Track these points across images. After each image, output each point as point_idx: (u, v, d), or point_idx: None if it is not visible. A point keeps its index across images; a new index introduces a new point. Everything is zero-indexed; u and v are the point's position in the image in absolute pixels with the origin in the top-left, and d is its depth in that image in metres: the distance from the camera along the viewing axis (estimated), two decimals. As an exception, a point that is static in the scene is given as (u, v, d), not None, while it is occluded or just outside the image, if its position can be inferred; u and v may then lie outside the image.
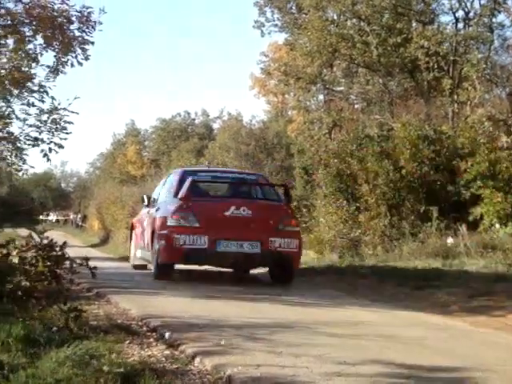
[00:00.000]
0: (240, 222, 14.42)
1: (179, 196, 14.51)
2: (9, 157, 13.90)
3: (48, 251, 3.73)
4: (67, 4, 14.03)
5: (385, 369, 7.74)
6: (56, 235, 46.20)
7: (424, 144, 25.42)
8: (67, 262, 4.06)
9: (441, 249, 22.30)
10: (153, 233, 15.68)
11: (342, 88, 36.14)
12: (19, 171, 14.56)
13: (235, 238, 14.51)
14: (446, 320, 12.32)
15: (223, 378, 7.34)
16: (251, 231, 14.60)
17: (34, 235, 6.94)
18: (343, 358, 8.17)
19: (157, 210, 15.80)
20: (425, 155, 25.26)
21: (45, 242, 3.82)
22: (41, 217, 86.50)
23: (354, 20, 32.48)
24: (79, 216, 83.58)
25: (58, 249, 3.84)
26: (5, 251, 3.54)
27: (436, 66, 29.51)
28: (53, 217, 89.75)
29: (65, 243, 4.36)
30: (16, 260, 3.48)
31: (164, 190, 16.39)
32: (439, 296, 15.10)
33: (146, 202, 17.38)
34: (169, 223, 14.58)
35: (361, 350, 8.82)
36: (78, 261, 4.48)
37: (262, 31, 40.71)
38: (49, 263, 3.65)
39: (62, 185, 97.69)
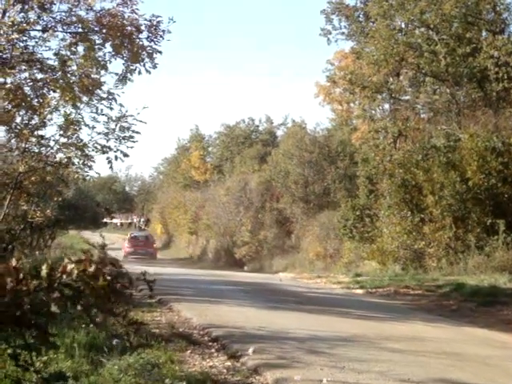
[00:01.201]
0: (141, 244, 45.87)
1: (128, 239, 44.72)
2: (77, 163, 14.17)
3: (107, 266, 3.76)
4: (137, 13, 14.18)
5: (450, 389, 7.61)
6: (118, 238, 47.35)
7: (492, 156, 24.94)
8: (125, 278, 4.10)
9: (508, 263, 21.84)
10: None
11: (408, 97, 35.69)
12: (85, 178, 14.78)
13: (140, 248, 44.75)
14: (511, 338, 12.02)
15: (284, 393, 7.31)
16: (144, 246, 45.47)
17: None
18: (407, 375, 8.04)
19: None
20: (492, 167, 24.79)
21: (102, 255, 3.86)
22: (105, 220, 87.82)
23: (423, 29, 32.08)
24: (142, 220, 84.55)
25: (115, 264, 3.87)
26: (82, 267, 3.58)
27: (506, 77, 28.90)
28: (117, 220, 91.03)
29: (117, 260, 4.40)
30: (75, 275, 3.53)
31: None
32: (505, 313, 14.78)
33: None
34: (126, 244, 45.89)
35: (424, 368, 8.67)
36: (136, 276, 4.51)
37: (328, 39, 40.58)
38: (109, 278, 3.67)
39: (126, 188, 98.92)
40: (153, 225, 75.10)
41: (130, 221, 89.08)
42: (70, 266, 3.97)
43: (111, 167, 14.55)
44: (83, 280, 3.71)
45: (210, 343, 9.90)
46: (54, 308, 3.97)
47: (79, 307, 3.92)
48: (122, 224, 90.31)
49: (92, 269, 3.82)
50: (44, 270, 3.97)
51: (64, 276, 3.96)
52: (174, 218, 61.65)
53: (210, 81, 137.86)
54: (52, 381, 4.86)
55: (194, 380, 7.36)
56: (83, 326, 9.10)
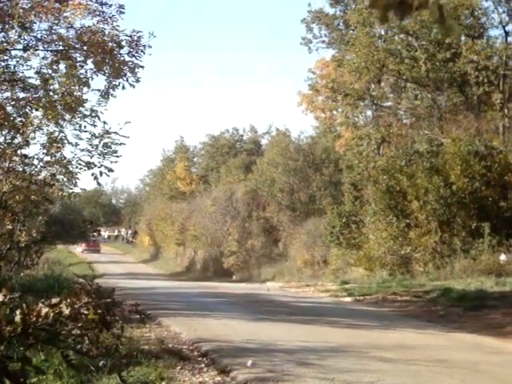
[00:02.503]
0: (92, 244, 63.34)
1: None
2: (61, 180, 14.12)
3: (98, 298, 3.76)
4: (117, 29, 14.19)
5: (439, 397, 7.65)
6: (107, 251, 47.02)
7: (475, 159, 25.10)
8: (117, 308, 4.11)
9: (493, 266, 21.97)
10: None
11: (390, 103, 35.85)
12: (70, 195, 14.74)
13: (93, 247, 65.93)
14: (500, 342, 12.09)
15: (275, 407, 7.35)
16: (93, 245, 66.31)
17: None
18: (397, 386, 8.10)
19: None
20: (476, 171, 24.95)
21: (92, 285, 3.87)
22: (94, 234, 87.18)
23: (402, 35, 32.29)
24: (130, 232, 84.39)
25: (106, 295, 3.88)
26: (57, 310, 3.57)
27: (486, 81, 29.12)
28: (104, 233, 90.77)
29: (113, 290, 4.39)
30: (67, 312, 3.52)
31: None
32: (493, 317, 14.86)
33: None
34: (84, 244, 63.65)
35: (414, 376, 8.72)
36: (128, 307, 4.52)
37: (309, 47, 40.72)
38: (99, 311, 3.68)
39: (113, 201, 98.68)
40: (140, 237, 75.01)
41: (117, 233, 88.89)
42: (44, 310, 3.97)
43: (98, 183, 14.58)
44: (61, 322, 3.73)
45: (200, 358, 9.91)
46: (28, 354, 3.98)
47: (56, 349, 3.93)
48: (109, 237, 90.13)
49: (67, 311, 3.84)
50: (18, 316, 3.98)
51: (40, 320, 3.97)
52: (161, 229, 61.59)
53: (194, 92, 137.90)
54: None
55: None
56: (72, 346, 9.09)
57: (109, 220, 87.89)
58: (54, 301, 4.13)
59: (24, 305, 4.08)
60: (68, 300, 3.96)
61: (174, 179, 72.83)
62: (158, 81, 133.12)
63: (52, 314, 3.93)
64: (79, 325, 3.89)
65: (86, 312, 3.96)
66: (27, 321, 3.95)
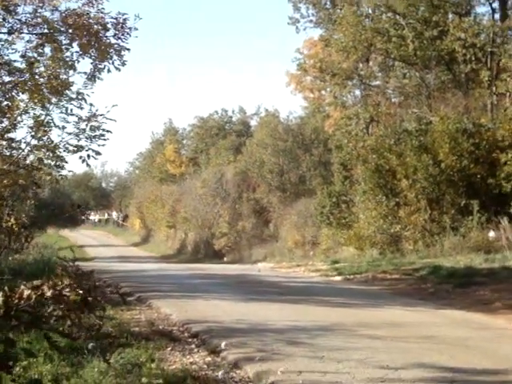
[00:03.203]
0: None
1: None
2: (49, 164, 14.05)
3: (79, 280, 3.76)
4: (103, 12, 14.08)
5: (428, 373, 7.70)
6: (98, 235, 47.51)
7: (463, 137, 25.12)
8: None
9: (482, 243, 22.08)
10: None
11: (378, 82, 35.83)
12: (59, 179, 14.69)
13: None
14: (489, 318, 12.18)
15: (265, 386, 7.37)
16: None
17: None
18: (386, 362, 8.14)
19: None
20: (464, 148, 24.98)
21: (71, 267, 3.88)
22: (82, 217, 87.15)
23: (389, 14, 32.21)
24: (120, 215, 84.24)
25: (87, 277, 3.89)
26: (39, 292, 3.58)
27: (473, 58, 29.09)
28: (94, 217, 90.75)
29: (93, 271, 4.40)
30: (49, 293, 3.53)
31: None
32: (482, 293, 14.96)
33: None
34: None
35: (403, 353, 8.78)
36: (110, 288, 4.55)
37: (297, 27, 40.62)
38: (81, 292, 3.69)
39: (103, 184, 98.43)
40: (131, 220, 74.90)
41: (107, 217, 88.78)
42: (26, 292, 3.97)
43: (88, 165, 14.49)
44: (42, 304, 3.73)
45: (190, 339, 9.94)
46: (11, 335, 3.97)
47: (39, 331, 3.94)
48: (100, 220, 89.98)
49: (49, 293, 3.84)
50: (0, 298, 3.97)
51: (22, 302, 3.97)
52: (151, 212, 61.49)
53: (182, 74, 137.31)
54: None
55: (172, 377, 7.40)
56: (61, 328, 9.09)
57: (99, 203, 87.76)
58: (35, 283, 4.13)
59: (6, 287, 4.08)
60: (50, 282, 3.96)
61: (163, 162, 72.68)
62: (146, 63, 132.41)
63: (34, 296, 3.93)
64: (61, 306, 3.89)
65: (67, 294, 3.97)
66: (9, 303, 3.95)
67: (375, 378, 7.43)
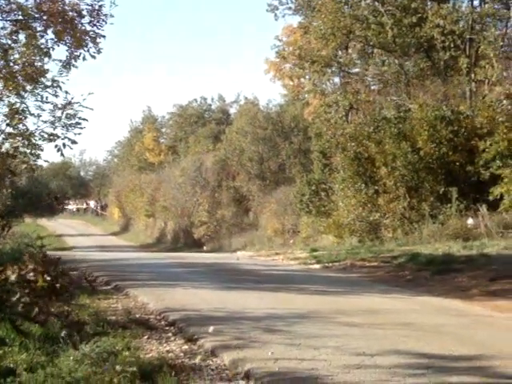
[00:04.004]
0: None
1: None
2: (24, 152, 13.93)
3: (46, 267, 3.70)
4: (78, -2, 14.00)
5: (404, 359, 7.70)
6: (76, 224, 47.57)
7: (442, 124, 25.18)
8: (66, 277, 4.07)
9: (461, 230, 22.15)
10: None
11: (357, 70, 35.81)
12: (33, 168, 14.58)
13: None
14: (466, 305, 12.23)
15: (241, 374, 7.34)
16: None
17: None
18: (362, 349, 8.14)
19: None
20: (443, 136, 25.03)
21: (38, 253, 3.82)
22: (60, 207, 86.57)
23: (368, 0, 32.16)
24: (99, 204, 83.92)
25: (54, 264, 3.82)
26: (3, 276, 3.51)
27: (452, 45, 29.12)
28: (73, 206, 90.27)
29: (59, 258, 4.33)
30: (13, 277, 3.46)
31: None
32: (460, 280, 15.01)
33: None
34: None
35: (380, 340, 8.78)
36: (77, 273, 4.49)
37: (275, 14, 40.44)
38: (48, 278, 3.64)
39: (81, 173, 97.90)
40: (110, 209, 74.65)
41: (86, 206, 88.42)
42: None
43: (62, 155, 14.37)
44: (7, 290, 3.67)
45: (167, 327, 9.90)
46: None
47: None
48: (78, 209, 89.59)
49: (13, 277, 3.77)
50: None
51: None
52: (130, 201, 61.33)
53: (160, 61, 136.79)
54: (1, 378, 4.83)
55: (147, 365, 7.35)
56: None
57: (77, 192, 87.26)
58: (-2, 268, 4.07)
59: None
60: (14, 267, 3.89)
61: (142, 150, 72.47)
62: (123, 51, 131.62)
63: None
64: (27, 292, 3.83)
65: (32, 279, 3.90)
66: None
67: (351, 364, 7.43)
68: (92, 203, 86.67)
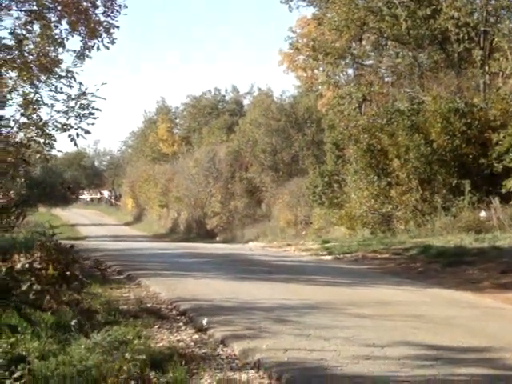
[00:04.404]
0: None
1: None
2: (38, 142, 14.02)
3: (57, 254, 3.75)
4: (92, -11, 14.05)
5: (413, 350, 7.73)
6: (90, 214, 47.31)
7: (455, 117, 25.10)
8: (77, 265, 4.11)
9: (473, 223, 22.11)
10: None
11: (371, 62, 35.77)
12: (48, 158, 14.69)
13: None
14: (477, 297, 12.22)
15: (251, 363, 7.38)
16: None
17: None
18: (372, 340, 8.17)
19: None
20: (456, 128, 24.96)
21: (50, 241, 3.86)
22: (73, 196, 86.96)
23: (383, -8, 32.09)
24: (113, 194, 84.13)
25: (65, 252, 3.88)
26: (9, 264, 3.56)
27: (466, 37, 29.01)
28: (87, 196, 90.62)
29: (72, 246, 4.36)
30: (19, 265, 3.51)
31: None
32: (471, 272, 15.01)
33: None
34: None
35: (389, 331, 8.80)
36: (89, 262, 4.54)
37: (289, 6, 40.34)
38: (59, 266, 3.68)
39: (95, 163, 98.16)
40: (123, 199, 74.84)
41: (100, 196, 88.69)
42: None
43: (75, 145, 14.43)
44: (15, 278, 3.71)
45: (178, 317, 9.96)
46: None
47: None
48: (92, 199, 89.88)
49: (19, 265, 3.82)
50: None
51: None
52: (144, 191, 61.46)
53: (174, 52, 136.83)
54: (12, 365, 4.90)
55: (158, 354, 7.41)
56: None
57: (91, 182, 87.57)
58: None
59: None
60: (22, 254, 3.94)
61: (156, 141, 72.54)
62: (137, 41, 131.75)
63: (4, 269, 3.91)
64: (37, 280, 3.88)
65: (38, 266, 3.95)
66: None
67: (361, 355, 7.46)
68: (106, 193, 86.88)
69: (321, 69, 39.81)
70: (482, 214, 22.89)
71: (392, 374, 6.82)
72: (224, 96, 71.13)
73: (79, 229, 52.96)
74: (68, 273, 4.08)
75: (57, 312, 6.76)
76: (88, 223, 59.66)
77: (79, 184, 70.34)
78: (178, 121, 76.42)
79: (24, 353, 7.46)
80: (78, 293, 4.63)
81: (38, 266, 3.89)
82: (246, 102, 68.48)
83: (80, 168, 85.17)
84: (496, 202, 22.64)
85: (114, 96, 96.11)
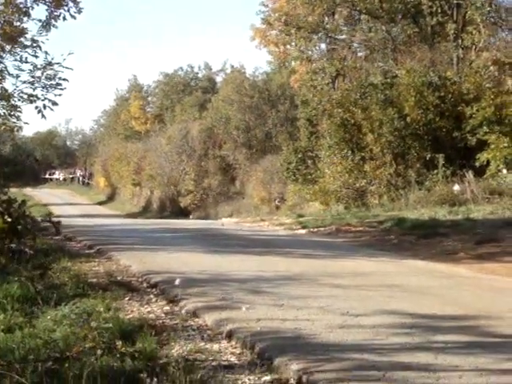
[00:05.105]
0: None
1: None
2: (3, 114, 13.70)
3: (7, 208, 3.55)
4: (57, -45, 13.64)
5: (388, 319, 7.60)
6: (62, 193, 47.00)
7: (428, 91, 25.05)
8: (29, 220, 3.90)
9: (447, 196, 22.11)
10: None
11: (344, 36, 35.53)
12: (13, 129, 14.34)
13: None
14: (451, 267, 12.15)
15: (223, 334, 7.22)
16: None
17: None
18: (346, 309, 8.04)
19: None
20: (430, 102, 24.92)
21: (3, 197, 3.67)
22: (47, 175, 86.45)
23: (356, -34, 31.85)
24: (86, 173, 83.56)
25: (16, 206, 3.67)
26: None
27: (439, 11, 28.92)
28: (59, 175, 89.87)
29: (24, 201, 4.16)
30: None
31: None
32: (445, 244, 14.96)
33: None
34: None
35: (364, 301, 8.68)
36: (41, 218, 4.33)
37: (261, -21, 39.98)
38: (9, 220, 3.48)
39: (67, 143, 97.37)
40: (96, 178, 74.32)
41: (72, 175, 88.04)
42: None
43: (43, 116, 14.07)
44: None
45: (149, 289, 9.77)
46: None
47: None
48: (65, 179, 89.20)
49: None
50: None
51: None
52: (116, 170, 61.02)
53: (146, 30, 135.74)
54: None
55: (128, 325, 7.21)
56: (16, 279, 8.87)
57: (63, 162, 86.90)
58: None
59: None
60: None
61: (128, 119, 72.06)
62: (111, 17, 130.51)
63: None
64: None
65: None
66: None
67: (334, 324, 7.32)
68: (78, 172, 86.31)
69: (293, 44, 39.59)
70: (456, 187, 22.88)
71: (366, 342, 6.68)
72: (197, 73, 70.82)
73: (51, 208, 52.43)
74: (19, 227, 3.86)
75: (5, 266, 6.52)
76: (60, 202, 59.08)
77: (50, 163, 69.74)
78: (150, 98, 75.97)
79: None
80: (31, 247, 4.41)
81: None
82: (218, 79, 68.32)
83: (51, 147, 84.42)
84: (470, 175, 22.66)
85: (86, 74, 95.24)
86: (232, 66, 61.12)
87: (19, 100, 13.50)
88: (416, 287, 9.87)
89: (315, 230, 19.51)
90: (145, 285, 10.12)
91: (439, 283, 10.34)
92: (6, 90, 13.61)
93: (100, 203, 62.54)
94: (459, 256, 13.43)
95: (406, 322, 7.46)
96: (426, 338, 6.83)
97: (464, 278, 11.08)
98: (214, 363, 6.26)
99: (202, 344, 6.90)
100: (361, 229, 18.63)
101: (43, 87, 13.41)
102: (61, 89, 13.55)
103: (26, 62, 13.58)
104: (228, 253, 13.86)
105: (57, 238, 14.96)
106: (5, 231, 3.40)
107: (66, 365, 5.62)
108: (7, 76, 13.62)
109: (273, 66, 50.06)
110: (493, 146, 23.06)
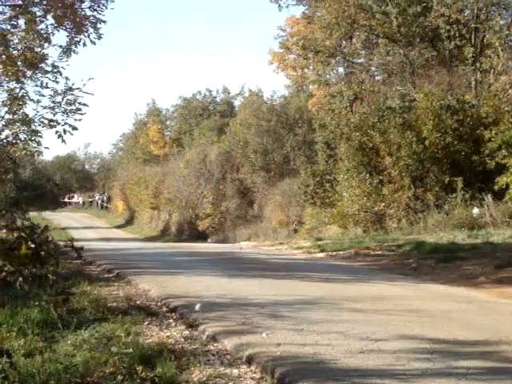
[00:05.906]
0: None
1: None
2: (23, 139, 13.81)
3: (30, 234, 3.58)
4: (78, -17, 13.80)
5: (408, 344, 7.55)
6: (81, 217, 47.08)
7: (447, 114, 24.98)
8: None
9: (466, 220, 21.98)
10: None
11: (361, 60, 35.60)
12: (33, 153, 14.46)
13: None
14: (471, 292, 12.06)
15: (243, 358, 7.20)
16: None
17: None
18: (366, 334, 8.00)
19: None
20: (448, 125, 24.85)
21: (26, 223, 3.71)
22: (66, 199, 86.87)
23: (373, -11, 31.98)
24: (104, 197, 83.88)
25: (39, 231, 3.70)
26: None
27: (457, 35, 28.91)
28: (78, 199, 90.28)
29: (46, 227, 4.18)
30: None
31: None
32: (465, 268, 14.86)
33: None
34: None
35: (384, 326, 8.63)
36: (63, 243, 4.36)
37: (279, 5, 40.20)
38: (32, 246, 3.51)
39: (86, 166, 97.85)
40: (114, 202, 74.53)
41: (91, 199, 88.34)
42: None
43: (63, 141, 14.18)
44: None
45: (168, 314, 9.78)
46: None
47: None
48: (83, 203, 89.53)
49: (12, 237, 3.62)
50: None
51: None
52: (135, 193, 61.14)
53: (165, 54, 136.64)
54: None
55: (147, 350, 7.22)
56: (36, 303, 8.92)
57: (82, 186, 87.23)
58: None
59: None
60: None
61: (146, 143, 72.33)
62: (129, 41, 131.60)
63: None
64: (8, 259, 3.69)
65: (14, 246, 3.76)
66: None
67: (354, 349, 7.29)
68: (97, 196, 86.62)
69: (311, 67, 39.72)
70: (475, 210, 22.75)
71: (387, 368, 6.65)
72: (215, 97, 71.08)
73: (70, 232, 52.64)
74: (42, 252, 3.88)
75: (29, 292, 6.53)
76: (79, 226, 59.23)
77: (70, 187, 70.06)
78: (168, 122, 76.26)
79: (10, 351, 7.27)
80: (53, 273, 4.42)
81: (15, 245, 3.71)
82: (236, 102, 68.49)
83: (70, 171, 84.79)
84: (489, 198, 22.52)
85: (105, 98, 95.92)
86: (250, 90, 61.34)
87: (40, 125, 13.63)
88: (436, 312, 9.80)
89: (334, 253, 19.47)
90: (164, 309, 10.14)
91: (459, 308, 10.27)
92: (27, 115, 13.74)
93: (118, 227, 62.65)
94: (479, 280, 13.32)
95: (426, 347, 7.42)
96: (447, 363, 6.79)
97: (484, 302, 11.00)
98: (233, 388, 6.26)
99: (222, 369, 6.89)
100: (379, 252, 18.57)
101: (63, 112, 13.53)
102: (81, 113, 13.67)
103: (47, 88, 13.72)
104: (247, 277, 13.85)
105: (76, 261, 15.00)
106: (28, 257, 3.42)
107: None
108: (28, 101, 13.78)
109: (291, 89, 50.20)
110: (512, 170, 22.95)
